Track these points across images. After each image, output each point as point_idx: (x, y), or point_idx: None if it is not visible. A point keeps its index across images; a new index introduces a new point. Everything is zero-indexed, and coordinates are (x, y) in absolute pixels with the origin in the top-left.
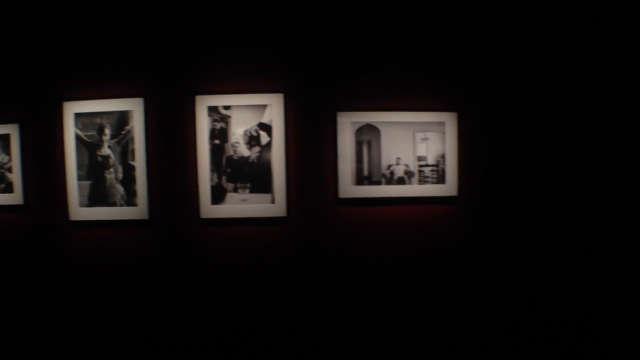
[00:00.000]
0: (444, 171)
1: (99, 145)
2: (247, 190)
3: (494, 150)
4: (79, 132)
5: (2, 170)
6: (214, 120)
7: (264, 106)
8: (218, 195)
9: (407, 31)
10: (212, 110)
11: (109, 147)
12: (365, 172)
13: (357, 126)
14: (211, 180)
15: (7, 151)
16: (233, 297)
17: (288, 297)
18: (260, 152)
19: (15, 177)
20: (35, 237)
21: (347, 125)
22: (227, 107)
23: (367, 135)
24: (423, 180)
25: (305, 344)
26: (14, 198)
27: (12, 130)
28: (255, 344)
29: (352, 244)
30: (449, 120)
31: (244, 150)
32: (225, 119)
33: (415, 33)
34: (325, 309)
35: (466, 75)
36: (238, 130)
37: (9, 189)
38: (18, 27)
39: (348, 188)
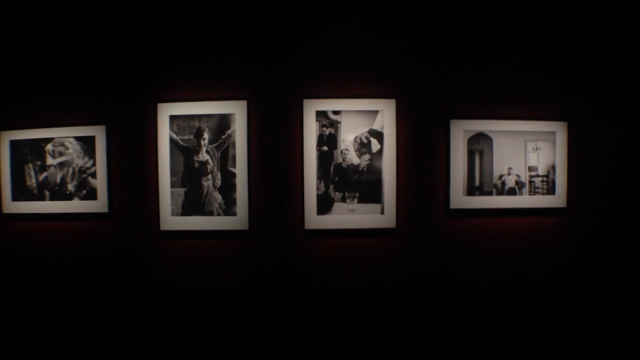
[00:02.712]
0: (553, 182)
1: (196, 150)
2: (356, 200)
3: (604, 161)
4: (174, 136)
5: (85, 176)
6: (323, 126)
7: (375, 112)
8: (325, 205)
9: (519, 40)
10: (321, 115)
11: (208, 152)
12: (477, 182)
13: (470, 134)
14: (318, 189)
15: (91, 155)
16: (339, 315)
17: (399, 313)
18: (370, 160)
19: (100, 182)
20: (121, 248)
21: (460, 133)
22: (336, 112)
23: (480, 144)
24: (533, 191)
25: None
26: (98, 205)
27: (97, 133)
28: None
29: (461, 256)
30: (559, 130)
31: (353, 158)
32: (334, 124)
33: (527, 42)
34: (435, 323)
35: (576, 84)
36: (348, 137)
37: (92, 195)
38: (109, 21)
39: (459, 199)
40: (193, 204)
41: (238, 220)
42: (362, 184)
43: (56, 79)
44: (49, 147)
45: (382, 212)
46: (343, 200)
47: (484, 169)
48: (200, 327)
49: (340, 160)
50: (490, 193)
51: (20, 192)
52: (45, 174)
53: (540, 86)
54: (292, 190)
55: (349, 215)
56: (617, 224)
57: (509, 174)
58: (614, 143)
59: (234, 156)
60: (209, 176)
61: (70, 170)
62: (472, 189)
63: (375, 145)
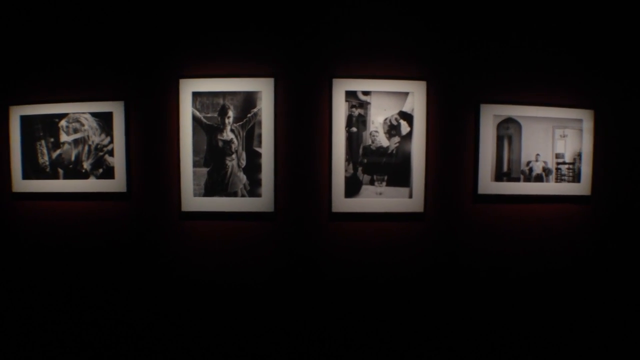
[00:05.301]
0: (579, 169)
1: (220, 128)
2: (384, 183)
3: (629, 150)
4: (198, 114)
5: (102, 154)
6: (352, 106)
7: (405, 94)
8: (352, 188)
9: (550, 26)
10: (350, 95)
11: (232, 131)
12: (505, 168)
13: (499, 119)
14: (346, 171)
15: (108, 132)
16: (364, 300)
17: (425, 298)
18: (399, 142)
19: (117, 161)
20: (139, 228)
21: (490, 118)
22: (366, 93)
23: (509, 130)
24: (560, 178)
25: (444, 347)
26: (115, 185)
27: (115, 109)
28: (389, 350)
29: (488, 242)
30: (586, 118)
31: (382, 140)
32: (364, 105)
33: (558, 29)
34: (461, 309)
35: (604, 73)
36: (378, 118)
37: (108, 174)
38: None
39: (487, 184)
40: (216, 185)
41: (263, 201)
42: (390, 167)
43: (70, 51)
44: (63, 123)
45: (410, 196)
46: (371, 183)
47: (513, 154)
48: (221, 310)
49: (370, 142)
50: (517, 179)
51: (32, 169)
52: (58, 151)
53: (569, 73)
54: (319, 171)
55: (377, 199)
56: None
57: (536, 161)
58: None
59: (260, 135)
60: (234, 156)
61: (86, 147)
62: (500, 175)
63: (405, 128)
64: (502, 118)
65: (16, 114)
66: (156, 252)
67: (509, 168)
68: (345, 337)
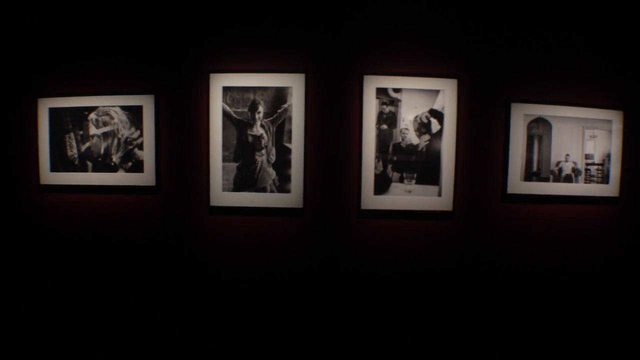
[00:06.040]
0: (608, 171)
1: (250, 123)
2: (414, 181)
3: None
4: (228, 108)
5: (131, 147)
6: (383, 103)
7: (436, 91)
8: (382, 185)
9: (582, 27)
10: (381, 92)
11: (262, 126)
12: (534, 167)
13: (530, 119)
14: (375, 168)
15: (138, 125)
16: (391, 297)
17: (452, 297)
18: (430, 140)
19: (147, 154)
20: (168, 222)
21: (520, 117)
22: (397, 90)
23: (539, 129)
24: (589, 179)
25: (474, 348)
26: (144, 178)
27: (145, 102)
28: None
29: (516, 242)
30: (615, 119)
31: (413, 138)
32: (394, 102)
33: (588, 29)
34: (489, 308)
35: (633, 74)
36: (408, 116)
37: (138, 167)
38: None
39: (516, 183)
40: (245, 180)
41: (292, 197)
42: (420, 165)
43: (101, 44)
44: (92, 116)
45: (440, 195)
46: (401, 180)
47: (542, 154)
48: (248, 306)
49: (400, 139)
50: (547, 179)
51: (60, 162)
52: (87, 144)
53: (599, 73)
54: (349, 168)
55: (406, 196)
56: None
57: (566, 161)
58: None
59: (290, 131)
60: (263, 151)
61: (115, 140)
62: (529, 175)
63: (435, 126)
64: (533, 117)
65: (45, 106)
66: (184, 246)
67: (538, 168)
68: (373, 333)
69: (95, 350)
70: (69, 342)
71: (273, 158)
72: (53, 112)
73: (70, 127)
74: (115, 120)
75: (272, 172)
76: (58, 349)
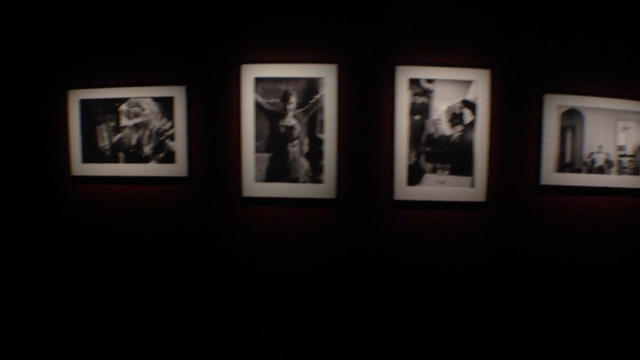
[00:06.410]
0: None
1: (282, 114)
2: (447, 172)
3: None
4: (260, 99)
5: (163, 138)
6: (415, 94)
7: (469, 82)
8: (415, 176)
9: (614, 18)
10: (413, 83)
11: (294, 117)
12: (568, 159)
13: (563, 110)
14: (408, 159)
15: (169, 116)
16: (424, 289)
17: (486, 288)
18: (462, 131)
19: (179, 145)
20: (200, 213)
21: (553, 108)
22: (430, 81)
23: (572, 120)
24: (621, 170)
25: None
26: (176, 169)
27: (176, 93)
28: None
29: (549, 233)
30: None
31: (445, 129)
32: (427, 93)
33: (620, 21)
34: (523, 300)
35: None
36: (441, 107)
37: (169, 158)
38: None
39: (550, 175)
40: (278, 170)
41: (325, 188)
42: (453, 156)
43: (130, 35)
44: (124, 107)
45: (472, 185)
46: (433, 171)
47: (575, 145)
48: (280, 297)
49: (432, 130)
50: (580, 170)
51: (92, 153)
52: (119, 136)
53: (632, 65)
54: (382, 159)
55: (439, 187)
56: None
57: (599, 152)
58: None
59: (322, 122)
60: (296, 142)
61: (147, 132)
62: (562, 166)
63: (468, 117)
64: (566, 108)
65: (75, 98)
66: (216, 237)
67: (571, 159)
68: (406, 323)
69: (124, 342)
70: (97, 333)
71: (306, 149)
72: (84, 103)
73: (102, 118)
74: (147, 112)
75: (305, 163)
76: (91, 342)
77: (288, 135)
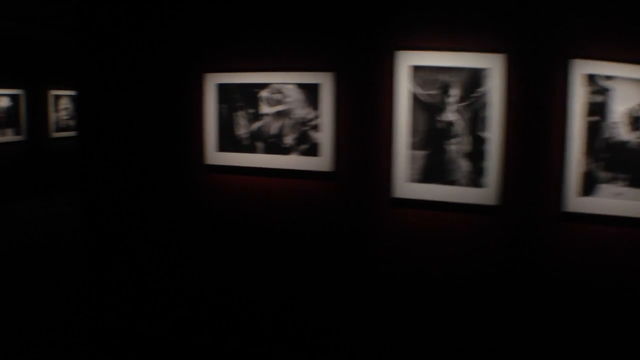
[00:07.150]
0: None
1: (441, 108)
2: (626, 183)
3: None
4: (416, 90)
5: (306, 128)
6: (591, 93)
7: None
8: (587, 186)
9: None
10: (590, 79)
11: (455, 111)
12: None
13: None
14: (581, 166)
15: (315, 105)
16: (598, 309)
17: None
18: None
19: (324, 137)
20: (344, 212)
21: None
22: (609, 78)
23: None
24: None
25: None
26: (320, 163)
27: (323, 80)
28: None
29: None
30: None
31: (623, 133)
32: (604, 92)
33: None
34: None
35: None
36: (619, 108)
37: (313, 151)
38: None
39: None
40: (434, 171)
41: (485, 193)
42: (632, 165)
43: (273, 16)
44: (264, 93)
45: None
46: (609, 181)
47: None
48: (427, 307)
49: (608, 134)
50: None
51: (228, 142)
52: (258, 124)
53: None
54: (550, 164)
55: (616, 200)
56: None
57: None
58: None
59: (485, 118)
60: (455, 140)
61: (289, 121)
62: None
63: None
64: None
65: (212, 81)
66: (362, 239)
67: None
68: (575, 347)
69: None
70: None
71: (467, 148)
72: (221, 88)
73: (240, 104)
74: (290, 99)
75: (465, 164)
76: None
77: (447, 131)
